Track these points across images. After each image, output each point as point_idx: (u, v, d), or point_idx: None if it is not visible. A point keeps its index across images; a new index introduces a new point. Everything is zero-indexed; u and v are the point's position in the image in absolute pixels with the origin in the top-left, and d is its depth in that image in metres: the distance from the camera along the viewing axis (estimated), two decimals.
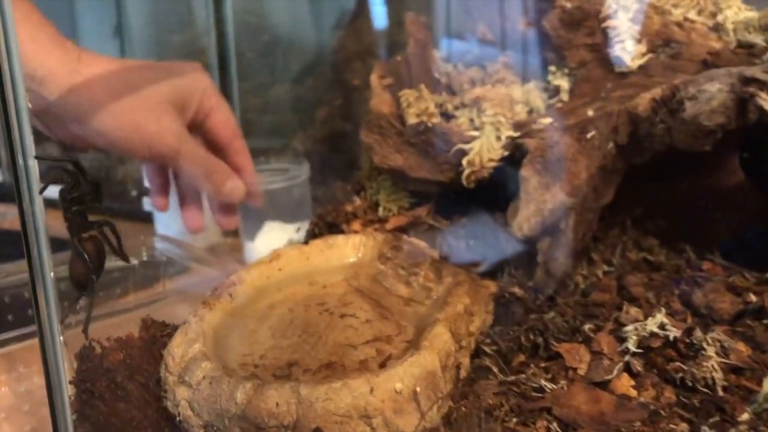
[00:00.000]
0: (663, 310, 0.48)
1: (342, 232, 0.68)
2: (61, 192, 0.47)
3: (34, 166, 0.43)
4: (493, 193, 0.67)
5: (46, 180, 0.45)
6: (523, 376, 0.45)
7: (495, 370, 0.48)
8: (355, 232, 0.68)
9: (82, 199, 0.47)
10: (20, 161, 0.42)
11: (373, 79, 0.72)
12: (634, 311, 0.50)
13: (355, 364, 0.47)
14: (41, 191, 0.43)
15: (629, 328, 0.47)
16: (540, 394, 0.43)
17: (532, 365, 0.47)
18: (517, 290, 0.55)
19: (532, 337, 0.49)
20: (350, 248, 0.63)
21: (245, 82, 1.23)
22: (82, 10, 1.62)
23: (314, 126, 1.21)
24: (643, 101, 0.60)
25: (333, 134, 1.19)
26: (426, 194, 0.70)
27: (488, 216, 0.68)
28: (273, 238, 0.98)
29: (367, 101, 1.12)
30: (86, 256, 0.46)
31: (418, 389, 0.41)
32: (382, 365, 0.46)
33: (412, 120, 0.67)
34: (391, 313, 0.54)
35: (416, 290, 0.56)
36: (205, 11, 1.22)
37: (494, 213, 0.67)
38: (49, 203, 0.44)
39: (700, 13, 0.74)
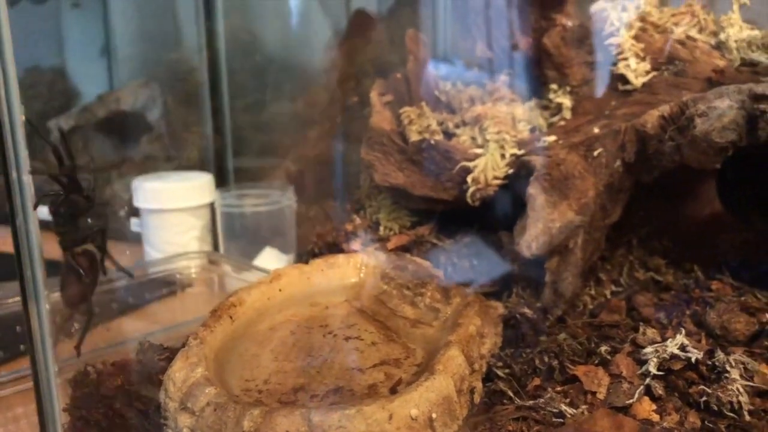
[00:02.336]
0: (683, 330, 0.46)
1: (342, 251, 0.67)
2: (53, 204, 0.45)
3: (28, 181, 0.41)
4: (497, 212, 0.66)
5: (40, 195, 0.43)
6: (542, 400, 0.43)
7: (510, 394, 0.46)
8: (355, 251, 0.66)
9: (75, 212, 0.45)
10: (14, 175, 0.40)
11: (373, 96, 0.71)
12: (650, 332, 0.48)
13: (363, 389, 0.45)
14: (35, 206, 0.41)
15: (649, 350, 0.45)
16: (560, 420, 0.41)
17: (548, 389, 0.45)
18: (527, 311, 0.54)
19: (546, 359, 0.48)
20: (351, 268, 0.61)
21: (236, 101, 1.21)
22: (69, 30, 1.60)
23: (306, 145, 1.19)
24: (651, 118, 0.59)
25: (326, 154, 1.17)
26: (427, 213, 0.69)
27: (492, 235, 0.67)
28: (269, 263, 0.96)
29: (363, 120, 1.11)
30: (81, 271, 0.44)
31: (434, 415, 0.39)
32: (393, 390, 0.45)
33: (414, 137, 0.65)
34: (397, 336, 0.53)
35: (423, 311, 0.54)
36: (196, 30, 1.21)
37: (498, 232, 0.66)
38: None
39: (701, 31, 0.73)
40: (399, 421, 0.38)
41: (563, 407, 0.41)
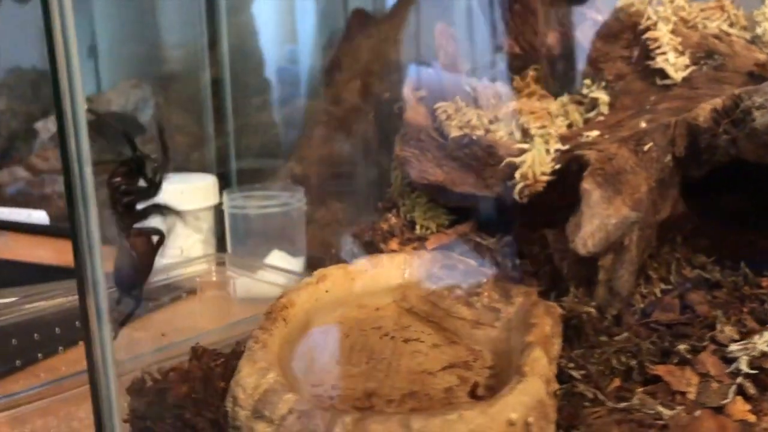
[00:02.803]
0: None
1: (380, 251, 0.64)
2: (113, 180, 0.42)
3: (89, 173, 0.38)
4: (539, 208, 0.64)
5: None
6: (633, 402, 0.41)
7: (590, 395, 0.44)
8: (393, 251, 0.64)
9: (135, 191, 0.42)
10: (75, 168, 0.37)
11: (407, 91, 0.68)
12: (729, 330, 0.47)
13: (439, 393, 0.43)
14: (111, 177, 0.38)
15: (735, 347, 0.43)
16: (661, 422, 0.39)
17: (634, 390, 0.43)
18: (590, 310, 0.52)
19: (624, 359, 0.46)
20: (395, 268, 0.59)
21: (238, 102, 1.18)
22: None
23: (311, 146, 1.16)
24: (703, 112, 0.58)
25: (331, 155, 1.14)
26: (465, 210, 0.67)
27: (534, 232, 0.65)
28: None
29: (370, 119, 1.09)
30: (135, 257, 0.41)
31: (530, 419, 0.37)
32: (472, 394, 0.42)
33: (454, 133, 0.63)
34: (458, 337, 0.50)
35: (481, 312, 0.52)
36: (196, 29, 1.17)
37: (541, 229, 0.64)
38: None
39: (731, 26, 0.73)
40: (499, 426, 0.36)
41: (660, 408, 0.40)
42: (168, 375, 0.42)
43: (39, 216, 1.28)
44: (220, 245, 1.00)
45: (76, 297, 0.51)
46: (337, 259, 0.67)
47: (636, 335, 0.52)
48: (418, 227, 0.66)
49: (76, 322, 0.72)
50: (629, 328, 0.53)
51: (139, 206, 0.47)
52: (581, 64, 0.74)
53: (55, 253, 1.18)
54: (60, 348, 0.66)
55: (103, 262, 0.39)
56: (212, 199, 1.00)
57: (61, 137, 0.38)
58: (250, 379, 0.40)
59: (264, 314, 0.48)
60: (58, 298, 0.75)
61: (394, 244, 0.64)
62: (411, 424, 0.35)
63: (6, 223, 1.26)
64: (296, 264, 0.96)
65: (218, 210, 1.01)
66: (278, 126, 1.22)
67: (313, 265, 0.97)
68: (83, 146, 0.37)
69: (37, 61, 1.60)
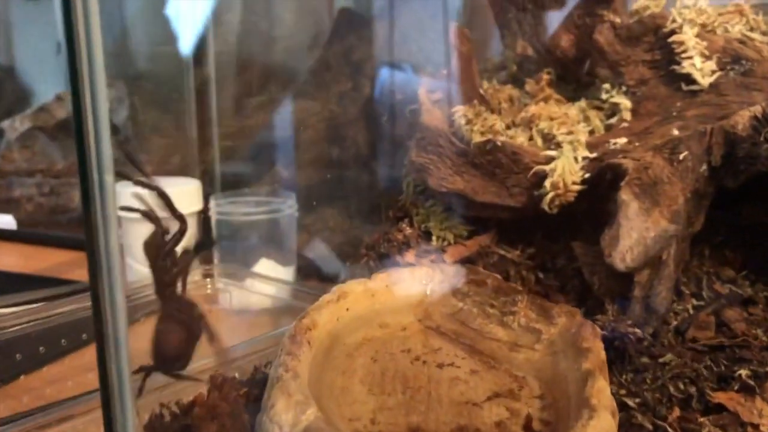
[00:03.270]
0: None
1: (396, 264, 0.60)
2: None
3: (111, 182, 0.33)
4: (565, 220, 0.60)
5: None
6: None
7: (649, 427, 0.40)
8: (410, 264, 0.60)
9: (174, 245, 0.37)
10: (95, 176, 0.32)
11: (422, 93, 0.64)
12: None
13: (490, 428, 0.39)
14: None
15: None
16: None
17: (696, 420, 0.39)
18: (636, 330, 0.48)
19: (682, 386, 0.42)
20: (417, 283, 0.55)
21: (223, 104, 1.13)
22: (21, 25, 1.48)
23: (299, 150, 1.11)
24: (742, 119, 0.55)
25: (320, 158, 1.10)
26: (484, 221, 0.63)
27: (558, 245, 0.62)
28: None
29: (360, 122, 1.05)
30: (187, 322, 0.36)
31: None
32: (527, 429, 0.38)
33: (477, 138, 0.60)
34: (496, 361, 0.46)
35: (518, 333, 0.48)
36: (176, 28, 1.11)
37: (564, 240, 0.61)
38: None
39: (752, 31, 0.70)
40: None
41: None
42: (191, 410, 0.37)
43: (6, 221, 1.21)
44: (205, 254, 0.95)
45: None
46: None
47: (680, 357, 0.48)
48: (434, 238, 0.62)
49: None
50: (672, 349, 0.50)
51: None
52: (598, 68, 0.71)
53: (23, 259, 1.12)
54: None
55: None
56: (196, 204, 0.95)
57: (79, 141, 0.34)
58: (287, 415, 0.35)
59: (288, 337, 0.44)
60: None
61: (410, 256, 0.60)
62: None
63: None
64: (286, 273, 0.91)
65: (202, 216, 0.95)
66: (264, 128, 1.17)
67: (304, 273, 0.93)
68: (105, 152, 0.32)
69: (1, 58, 1.53)
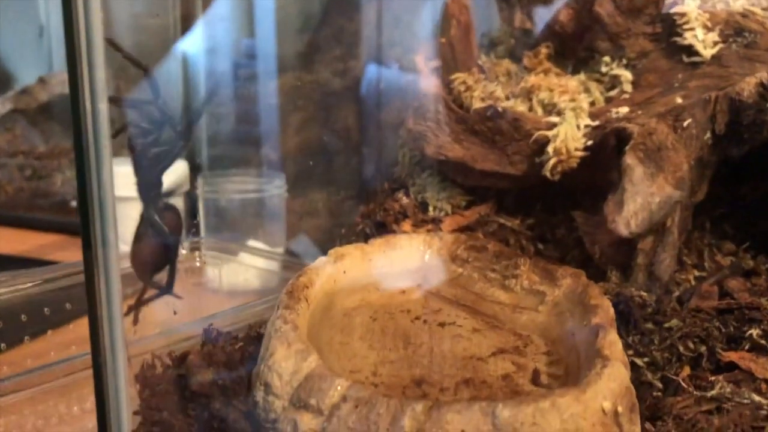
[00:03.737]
0: None
1: (392, 232, 0.58)
2: (135, 143, 0.35)
3: (104, 110, 0.31)
4: (563, 189, 0.59)
5: (121, 124, 0.34)
6: (722, 391, 0.36)
7: (658, 385, 0.39)
8: (406, 233, 0.58)
9: (165, 155, 0.35)
10: (87, 105, 0.31)
11: (419, 60, 0.63)
12: None
13: (497, 380, 0.37)
14: (115, 135, 0.32)
15: None
16: (764, 412, 0.34)
17: (707, 378, 0.38)
18: (643, 293, 0.47)
19: (692, 345, 0.41)
20: (415, 250, 0.53)
21: (213, 84, 1.10)
22: (3, 9, 1.45)
23: (288, 132, 1.09)
24: (748, 86, 0.54)
25: (309, 141, 1.08)
26: (483, 190, 0.62)
27: (558, 215, 0.60)
28: (251, 260, 0.86)
29: (352, 103, 1.03)
30: (165, 231, 0.34)
31: (619, 408, 0.32)
32: (535, 381, 0.37)
33: (477, 104, 0.58)
34: (499, 322, 0.45)
35: (521, 295, 0.47)
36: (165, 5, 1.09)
37: (564, 211, 0.59)
38: None
39: (753, 5, 0.69)
40: (593, 415, 0.30)
41: (757, 398, 0.35)
42: (186, 359, 0.35)
43: None
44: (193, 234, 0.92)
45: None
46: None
47: (684, 322, 0.47)
48: (431, 208, 0.60)
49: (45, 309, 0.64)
50: (676, 315, 0.49)
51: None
52: (598, 41, 0.70)
53: (3, 242, 1.09)
54: (26, 338, 0.58)
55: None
56: (183, 185, 0.93)
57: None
58: (287, 363, 0.34)
59: (285, 293, 0.42)
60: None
61: (407, 225, 0.59)
62: (498, 413, 0.29)
63: None
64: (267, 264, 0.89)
65: (189, 197, 0.93)
66: (251, 111, 1.15)
67: (291, 255, 0.91)
68: (98, 77, 0.31)
69: None
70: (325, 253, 0.49)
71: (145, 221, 0.36)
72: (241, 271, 0.77)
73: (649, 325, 0.48)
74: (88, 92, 0.31)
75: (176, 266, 0.36)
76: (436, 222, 0.59)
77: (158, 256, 0.36)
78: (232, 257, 0.78)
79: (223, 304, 0.61)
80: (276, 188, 0.92)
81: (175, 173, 0.92)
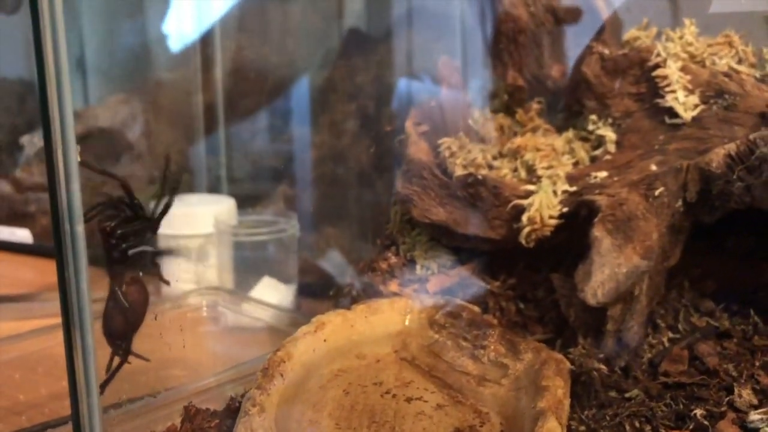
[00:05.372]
0: None
1: (379, 293, 0.62)
2: (104, 224, 0.39)
3: (81, 232, 0.35)
4: (545, 253, 0.62)
5: (95, 208, 0.38)
6: None
7: None
8: (394, 293, 0.62)
9: (131, 233, 0.40)
10: (66, 227, 0.35)
11: (408, 125, 0.66)
12: (746, 394, 0.44)
13: None
14: (87, 219, 0.36)
15: (756, 417, 0.41)
16: None
17: None
18: (601, 366, 0.50)
19: (638, 424, 0.44)
20: (396, 314, 0.57)
21: (232, 123, 1.16)
22: None
23: (303, 170, 1.14)
24: (716, 157, 0.56)
25: (324, 178, 1.12)
26: (467, 251, 0.65)
27: (538, 276, 0.63)
28: (267, 295, 0.90)
29: (365, 143, 1.06)
30: (128, 309, 0.39)
31: None
32: None
33: (459, 171, 0.61)
34: (463, 396, 0.48)
35: (487, 367, 0.50)
36: (191, 49, 1.15)
37: (545, 272, 0.62)
38: None
39: (740, 62, 0.71)
40: None
41: None
42: None
43: (22, 234, 1.24)
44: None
45: None
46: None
47: (646, 392, 0.50)
48: (418, 267, 0.64)
49: None
50: (639, 384, 0.51)
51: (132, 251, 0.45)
52: (587, 99, 0.72)
53: (38, 273, 1.15)
54: None
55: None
56: (233, 221, 0.98)
57: (47, 152, 0.36)
58: None
59: (260, 371, 0.46)
60: None
61: (394, 285, 0.62)
62: None
63: None
64: (287, 291, 0.93)
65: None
66: (271, 149, 1.20)
67: (303, 292, 0.95)
68: (75, 202, 0.35)
69: (23, 73, 1.57)
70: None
71: (113, 296, 0.40)
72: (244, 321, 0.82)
73: (613, 393, 0.51)
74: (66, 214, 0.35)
75: (133, 336, 0.41)
76: (423, 282, 0.63)
77: (123, 325, 0.41)
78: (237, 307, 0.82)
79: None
80: (290, 228, 0.96)
81: (225, 208, 0.97)
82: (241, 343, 0.77)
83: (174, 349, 0.73)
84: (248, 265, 0.95)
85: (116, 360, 0.44)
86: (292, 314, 0.81)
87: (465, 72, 0.80)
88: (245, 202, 1.06)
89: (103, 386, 0.39)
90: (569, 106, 0.75)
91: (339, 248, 1.01)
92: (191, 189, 1.16)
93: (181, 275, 0.93)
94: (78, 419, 0.35)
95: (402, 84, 1.08)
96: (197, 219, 0.95)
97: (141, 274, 0.42)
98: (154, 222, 0.42)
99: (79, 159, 0.35)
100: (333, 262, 0.95)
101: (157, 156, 1.29)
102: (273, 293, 0.92)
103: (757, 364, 0.53)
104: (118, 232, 0.41)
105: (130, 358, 0.44)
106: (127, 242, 0.42)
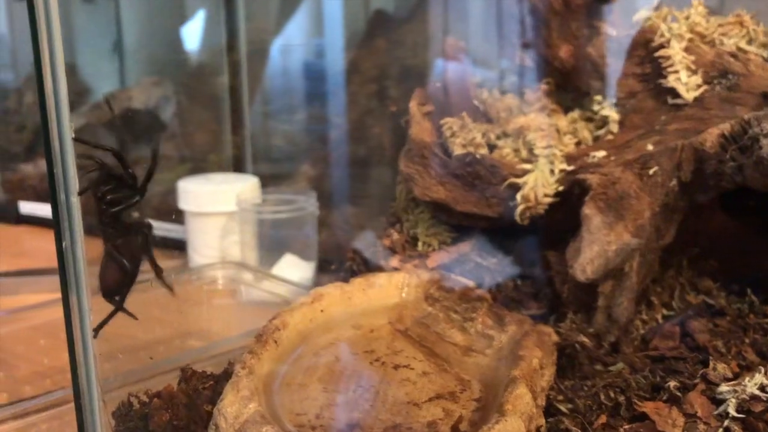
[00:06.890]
0: (762, 369, 0.44)
1: (380, 268, 0.64)
2: (96, 188, 0.43)
3: (77, 203, 0.38)
4: (542, 230, 0.63)
5: (87, 178, 0.41)
6: None
7: (576, 431, 0.43)
8: (395, 268, 0.64)
9: (121, 198, 0.43)
10: (62, 197, 0.38)
11: (413, 106, 0.68)
12: (721, 368, 0.46)
13: (423, 426, 0.43)
14: (81, 192, 0.39)
15: (725, 388, 0.43)
16: None
17: (618, 428, 0.42)
18: (585, 340, 0.51)
19: (612, 394, 0.45)
20: (393, 288, 0.59)
21: (256, 105, 1.18)
22: (80, 25, 1.57)
23: (325, 149, 1.16)
24: (710, 137, 0.57)
25: (345, 158, 1.14)
26: (467, 228, 0.66)
27: (536, 253, 0.64)
28: (288, 272, 0.93)
29: (384, 123, 1.08)
30: (123, 263, 0.42)
31: None
32: (455, 429, 0.42)
33: (458, 150, 0.63)
34: (449, 364, 0.50)
35: (474, 338, 0.52)
36: (215, 29, 1.18)
37: (543, 251, 0.63)
38: None
39: (750, 42, 0.71)
40: None
41: None
42: (153, 400, 0.42)
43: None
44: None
45: None
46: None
47: (630, 365, 0.51)
48: (420, 244, 0.66)
49: None
50: (625, 358, 0.53)
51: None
52: (593, 80, 0.73)
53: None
54: None
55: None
56: (257, 200, 1.01)
57: (44, 130, 0.39)
58: (232, 408, 0.40)
59: (255, 336, 0.48)
60: None
61: (395, 261, 0.64)
62: None
63: (31, 218, 1.29)
64: (308, 268, 0.96)
65: None
66: (295, 128, 1.22)
67: (324, 269, 0.98)
68: (70, 174, 0.38)
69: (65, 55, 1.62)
70: None
71: (106, 253, 0.44)
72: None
73: (598, 367, 0.52)
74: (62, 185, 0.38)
75: (130, 289, 0.44)
76: (423, 257, 0.65)
77: (117, 280, 0.44)
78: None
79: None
80: (310, 206, 0.98)
81: (249, 187, 0.99)
82: (257, 315, 0.80)
83: (192, 320, 0.76)
84: (271, 243, 0.98)
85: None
86: (310, 290, 0.84)
87: (485, 53, 0.81)
88: (269, 181, 1.09)
89: (96, 330, 0.42)
90: (578, 86, 0.76)
91: (357, 226, 1.03)
92: (219, 168, 1.20)
93: (205, 251, 0.97)
94: (75, 368, 0.38)
95: (424, 65, 1.09)
96: (221, 197, 0.98)
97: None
98: (140, 187, 0.45)
99: (72, 136, 0.37)
100: (348, 239, 0.98)
101: (187, 135, 1.33)
102: (294, 270, 0.95)
103: (747, 341, 0.54)
104: (108, 197, 0.44)
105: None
106: (117, 206, 0.45)
